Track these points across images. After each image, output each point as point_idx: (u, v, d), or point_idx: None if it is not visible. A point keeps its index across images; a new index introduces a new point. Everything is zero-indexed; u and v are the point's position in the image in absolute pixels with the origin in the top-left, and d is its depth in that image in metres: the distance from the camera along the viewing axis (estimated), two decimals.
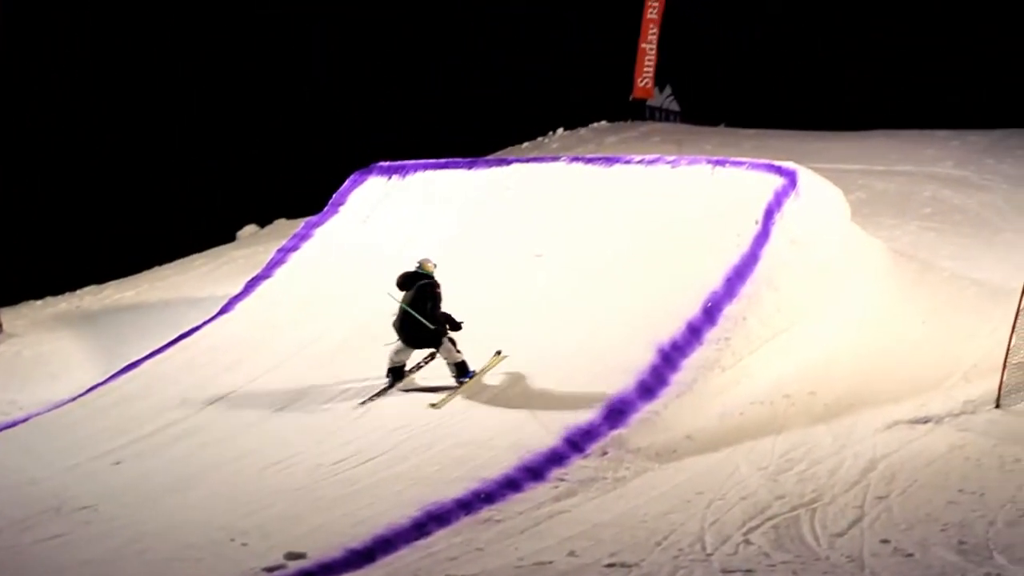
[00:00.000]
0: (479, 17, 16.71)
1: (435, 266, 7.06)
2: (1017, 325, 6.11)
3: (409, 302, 6.79)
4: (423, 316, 6.69)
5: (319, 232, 9.30)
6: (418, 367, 7.10)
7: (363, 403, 6.79)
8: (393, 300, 6.87)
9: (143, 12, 14.81)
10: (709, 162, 8.91)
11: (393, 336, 6.83)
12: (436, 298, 6.81)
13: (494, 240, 8.48)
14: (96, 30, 14.61)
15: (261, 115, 15.29)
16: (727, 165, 8.71)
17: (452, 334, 6.84)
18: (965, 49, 14.69)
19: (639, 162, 9.26)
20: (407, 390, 6.94)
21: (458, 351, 6.82)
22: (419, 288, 6.83)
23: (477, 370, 6.87)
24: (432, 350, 6.93)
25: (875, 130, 13.78)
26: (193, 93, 15.12)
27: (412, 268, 7.03)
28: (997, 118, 13.51)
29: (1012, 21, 14.33)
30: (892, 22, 15.22)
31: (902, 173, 11.58)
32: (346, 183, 9.73)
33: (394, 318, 6.85)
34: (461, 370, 6.80)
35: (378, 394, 6.86)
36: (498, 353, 7.03)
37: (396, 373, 6.97)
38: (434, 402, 6.63)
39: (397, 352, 6.93)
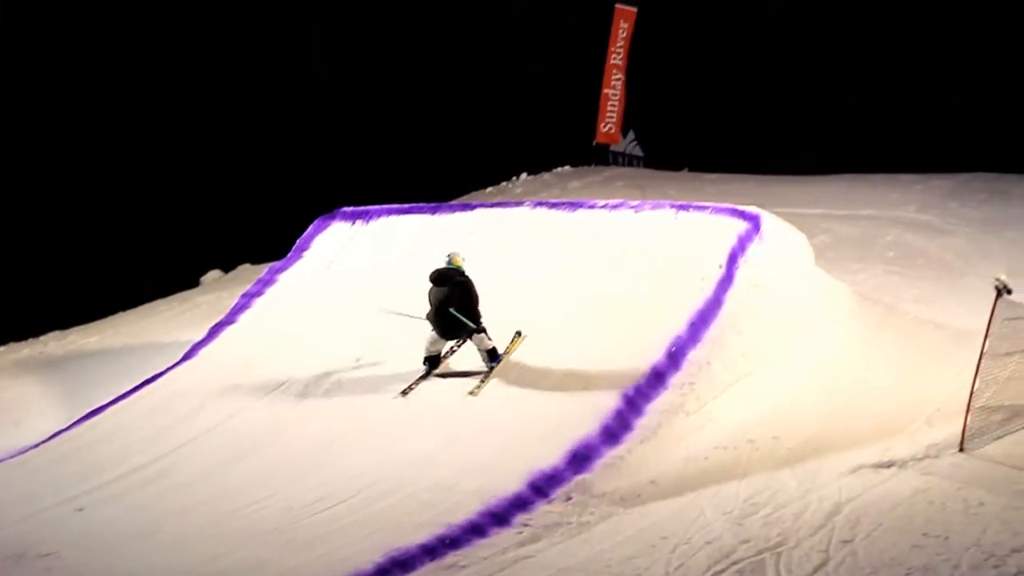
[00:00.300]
0: (437, 68, 17.13)
1: (464, 259, 7.67)
2: (981, 368, 6.26)
3: (448, 302, 7.34)
4: (465, 316, 7.32)
5: (283, 277, 9.47)
6: (452, 351, 7.69)
7: (404, 392, 7.35)
8: (397, 312, 7.58)
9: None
10: (673, 207, 9.14)
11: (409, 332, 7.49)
12: (474, 296, 7.44)
13: None
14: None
15: (223, 161, 15.37)
16: (691, 210, 8.94)
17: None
18: (927, 94, 15.16)
19: (603, 207, 9.47)
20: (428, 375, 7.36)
21: (489, 338, 7.47)
22: (459, 285, 7.42)
23: (503, 353, 7.52)
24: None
25: (838, 174, 14.16)
26: (153, 141, 15.21)
27: (442, 264, 7.61)
28: (960, 162, 13.88)
29: (973, 66, 14.84)
30: (856, 66, 15.78)
31: (866, 217, 11.91)
32: (310, 228, 9.92)
33: (429, 311, 7.42)
34: (492, 355, 7.48)
35: (417, 382, 7.44)
36: (519, 334, 7.70)
37: (432, 361, 7.59)
38: (471, 390, 7.21)
39: (432, 342, 7.54)
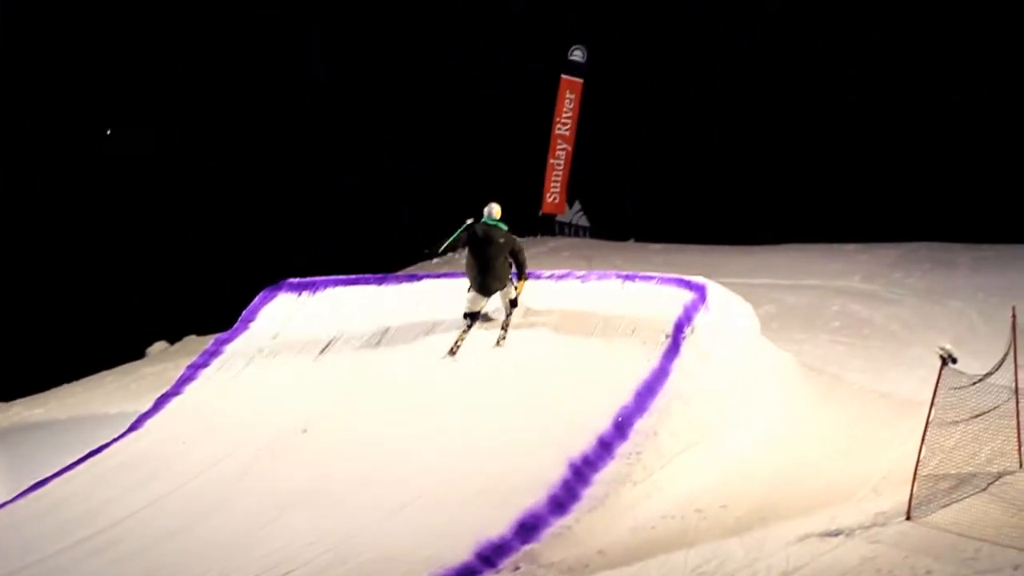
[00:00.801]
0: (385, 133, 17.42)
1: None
2: (927, 437, 6.48)
3: (500, 251, 8.57)
4: (519, 268, 8.73)
5: (229, 348, 9.58)
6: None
7: (451, 352, 8.38)
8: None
9: None
10: (619, 277, 9.46)
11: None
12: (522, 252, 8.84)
13: (405, 355, 8.82)
14: None
15: (167, 233, 15.43)
16: (637, 280, 9.25)
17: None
18: (869, 164, 15.67)
19: (549, 277, 9.78)
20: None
21: (515, 287, 8.74)
22: (512, 242, 8.71)
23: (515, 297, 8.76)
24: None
25: (784, 244, 14.61)
26: (95, 212, 15.18)
27: (484, 216, 8.69)
28: (905, 232, 14.31)
29: (917, 138, 15.30)
30: (802, 139, 16.15)
31: (811, 287, 12.26)
32: (256, 299, 10.08)
33: (473, 266, 8.63)
34: (514, 304, 8.73)
35: (461, 338, 8.52)
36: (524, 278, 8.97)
37: (473, 317, 8.68)
38: (497, 341, 8.40)
39: (473, 300, 8.63)
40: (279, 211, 16.18)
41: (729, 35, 17.30)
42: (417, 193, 17.32)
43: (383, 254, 14.90)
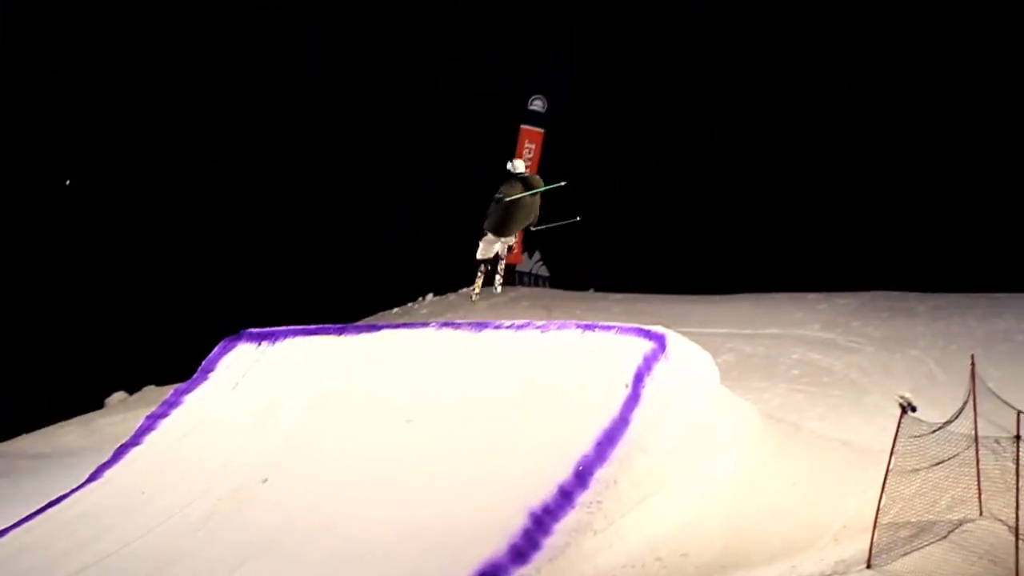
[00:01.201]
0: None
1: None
2: (887, 485, 6.64)
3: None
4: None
5: (188, 399, 9.73)
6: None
7: (472, 299, 10.10)
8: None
9: None
10: (578, 327, 9.61)
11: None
12: None
13: (365, 405, 8.95)
14: None
15: (127, 281, 15.51)
16: (596, 330, 9.39)
17: None
18: (827, 213, 15.95)
19: (509, 327, 9.93)
20: None
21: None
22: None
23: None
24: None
25: (743, 294, 14.83)
26: (58, 262, 15.33)
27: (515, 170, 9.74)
28: (863, 280, 14.57)
29: (875, 186, 15.66)
30: (761, 187, 16.44)
31: (770, 336, 12.47)
32: (215, 349, 10.23)
33: (504, 213, 9.50)
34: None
35: (481, 284, 9.92)
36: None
37: (487, 262, 9.96)
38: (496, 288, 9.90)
39: (488, 247, 9.70)
40: (242, 259, 16.23)
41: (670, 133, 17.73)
42: (417, 193, 17.54)
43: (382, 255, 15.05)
